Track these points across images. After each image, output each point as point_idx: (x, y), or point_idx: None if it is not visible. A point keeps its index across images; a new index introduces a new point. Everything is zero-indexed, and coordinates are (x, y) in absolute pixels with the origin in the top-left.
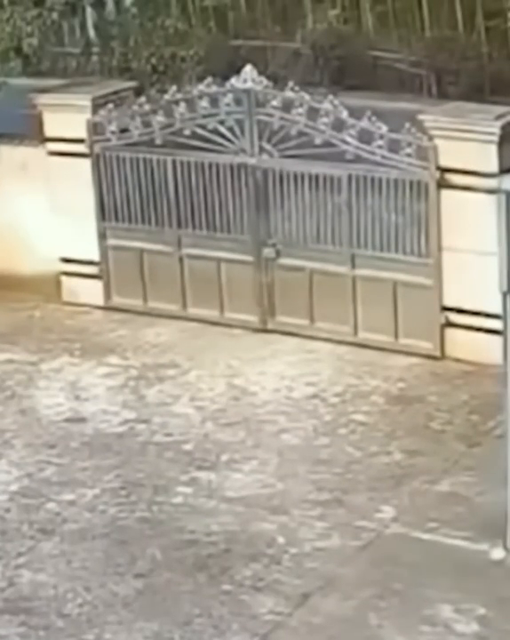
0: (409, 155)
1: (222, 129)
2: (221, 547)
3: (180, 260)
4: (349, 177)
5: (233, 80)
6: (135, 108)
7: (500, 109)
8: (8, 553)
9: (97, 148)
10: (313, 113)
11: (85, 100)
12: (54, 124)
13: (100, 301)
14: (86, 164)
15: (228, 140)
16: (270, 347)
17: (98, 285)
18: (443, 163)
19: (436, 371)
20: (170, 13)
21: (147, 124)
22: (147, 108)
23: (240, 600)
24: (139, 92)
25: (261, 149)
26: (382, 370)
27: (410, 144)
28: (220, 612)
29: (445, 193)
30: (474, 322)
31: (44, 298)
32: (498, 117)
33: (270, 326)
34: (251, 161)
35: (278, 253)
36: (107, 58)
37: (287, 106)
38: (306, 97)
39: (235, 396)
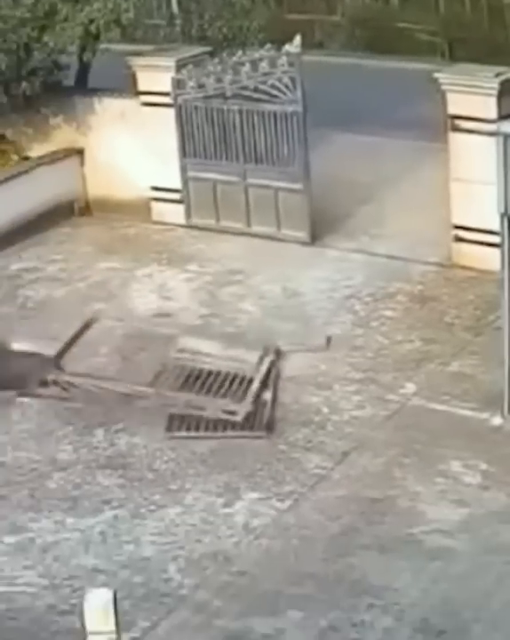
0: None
1: (278, 84)
2: (278, 414)
3: (245, 188)
4: None
5: (286, 46)
6: (210, 68)
7: (499, 69)
8: (110, 419)
9: (179, 100)
10: None
11: (170, 62)
12: (146, 80)
13: (182, 221)
14: (171, 113)
15: (282, 93)
16: (316, 258)
17: (180, 208)
18: (453, 111)
19: (448, 276)
20: None
21: (219, 81)
22: (219, 68)
23: (293, 457)
24: (213, 55)
25: None
26: (405, 275)
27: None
28: (278, 467)
29: (455, 135)
30: (478, 237)
31: (138, 218)
32: (497, 75)
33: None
34: (299, 110)
35: None
36: (188, 28)
37: None
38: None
39: (289, 296)
